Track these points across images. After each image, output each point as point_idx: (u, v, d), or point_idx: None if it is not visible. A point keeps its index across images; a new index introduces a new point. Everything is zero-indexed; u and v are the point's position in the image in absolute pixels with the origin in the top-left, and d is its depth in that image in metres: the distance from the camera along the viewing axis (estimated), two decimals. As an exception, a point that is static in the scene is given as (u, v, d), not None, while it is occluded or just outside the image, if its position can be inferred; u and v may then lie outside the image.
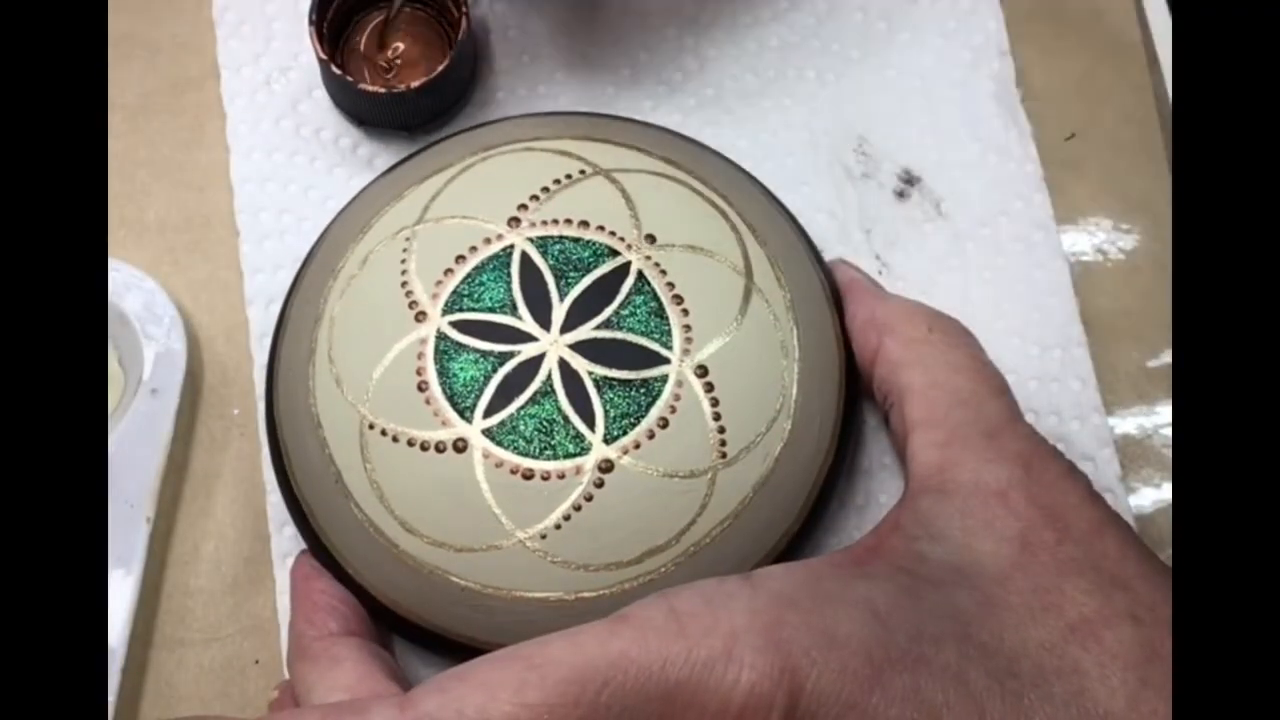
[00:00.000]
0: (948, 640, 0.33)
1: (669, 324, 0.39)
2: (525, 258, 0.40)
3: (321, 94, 0.47)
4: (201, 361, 0.44)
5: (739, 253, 0.41)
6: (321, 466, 0.39)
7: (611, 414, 0.38)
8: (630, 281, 0.39)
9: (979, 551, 0.35)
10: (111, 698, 0.40)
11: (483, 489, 0.37)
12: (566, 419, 0.38)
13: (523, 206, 0.40)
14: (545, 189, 0.41)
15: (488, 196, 0.41)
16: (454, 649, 0.38)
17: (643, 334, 0.39)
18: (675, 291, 0.39)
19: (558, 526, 0.37)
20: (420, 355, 0.39)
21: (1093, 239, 0.46)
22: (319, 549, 0.40)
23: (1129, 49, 0.47)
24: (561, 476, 0.37)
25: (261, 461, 0.43)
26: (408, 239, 0.40)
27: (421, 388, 0.38)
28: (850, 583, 0.34)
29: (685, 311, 0.39)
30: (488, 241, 0.40)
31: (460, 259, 0.40)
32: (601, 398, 0.38)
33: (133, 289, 0.43)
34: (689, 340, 0.39)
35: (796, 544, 0.40)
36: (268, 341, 0.43)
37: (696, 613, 0.32)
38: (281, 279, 0.45)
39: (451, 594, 0.38)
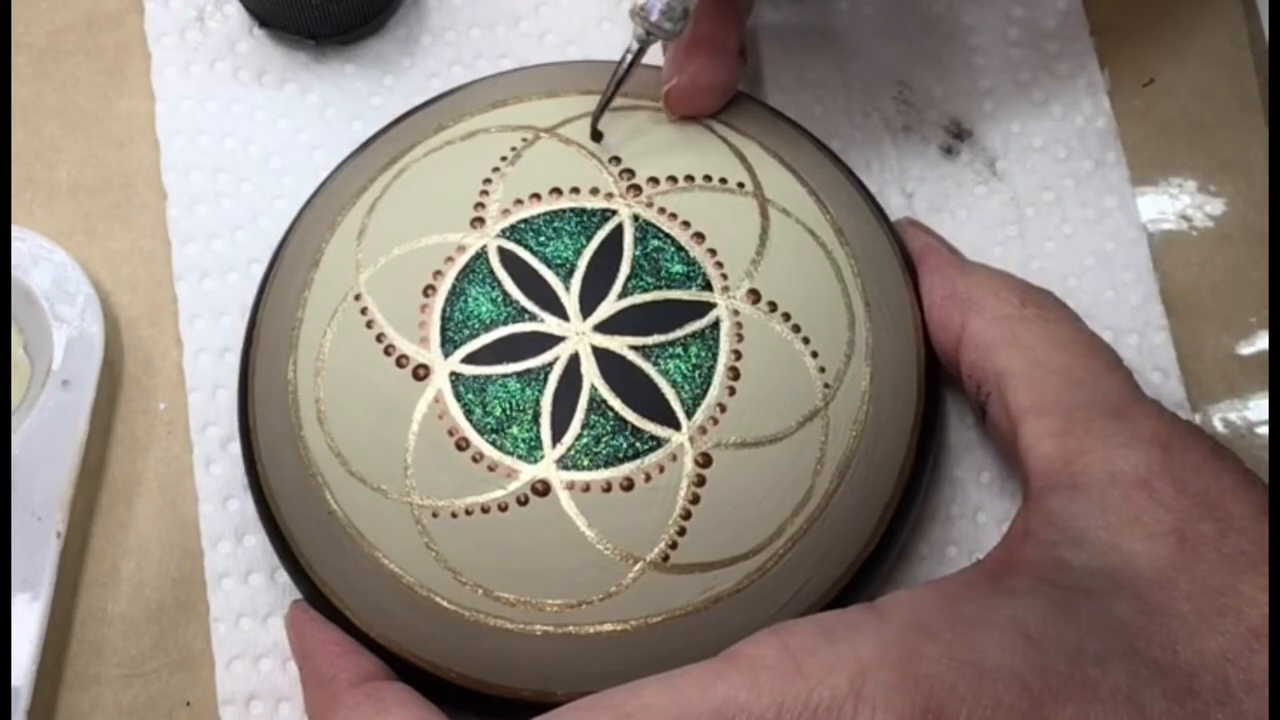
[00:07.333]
0: (1113, 659, 0.32)
1: (697, 263, 0.38)
2: (505, 255, 0.38)
3: (262, 33, 0.44)
4: (121, 347, 0.43)
5: (740, 169, 0.39)
6: (380, 580, 0.36)
7: (678, 380, 0.36)
8: (630, 233, 0.38)
9: (1130, 553, 0.34)
10: (12, 747, 0.39)
11: (578, 525, 0.35)
12: (634, 406, 0.36)
13: (479, 205, 0.38)
14: (496, 169, 0.39)
15: (431, 207, 0.39)
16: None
17: (668, 285, 0.37)
18: (694, 230, 0.38)
19: (680, 532, 0.36)
20: (442, 415, 0.36)
21: (1175, 203, 0.45)
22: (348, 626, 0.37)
23: (1218, -22, 0.46)
24: (661, 470, 0.36)
25: (192, 464, 0.41)
26: (357, 298, 0.38)
27: (461, 446, 0.36)
28: (991, 602, 0.33)
29: (712, 251, 0.38)
30: (449, 260, 0.38)
31: (429, 290, 0.37)
32: (658, 368, 0.37)
33: (40, 262, 0.42)
34: (725, 275, 0.37)
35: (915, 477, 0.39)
36: (200, 323, 0.41)
37: (815, 648, 0.31)
38: (217, 249, 0.42)
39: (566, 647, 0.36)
